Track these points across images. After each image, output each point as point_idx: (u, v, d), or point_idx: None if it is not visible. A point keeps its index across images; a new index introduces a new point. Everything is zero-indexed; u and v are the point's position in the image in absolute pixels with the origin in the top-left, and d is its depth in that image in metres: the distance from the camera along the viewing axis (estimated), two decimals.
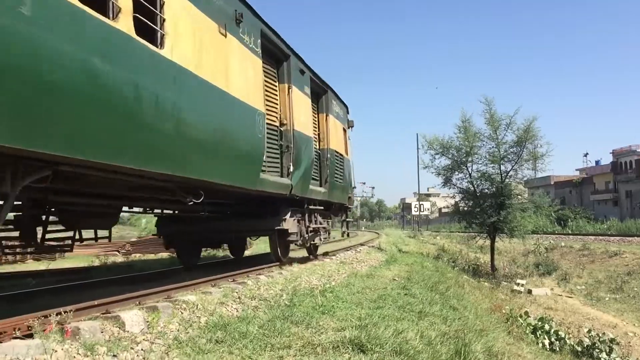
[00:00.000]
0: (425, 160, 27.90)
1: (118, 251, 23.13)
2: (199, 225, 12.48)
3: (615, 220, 56.26)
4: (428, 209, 74.99)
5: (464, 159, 26.80)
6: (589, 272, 26.55)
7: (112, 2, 5.59)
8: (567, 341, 14.07)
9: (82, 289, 9.15)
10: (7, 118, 4.26)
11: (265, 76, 10.47)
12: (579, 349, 13.81)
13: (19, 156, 4.97)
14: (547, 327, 14.20)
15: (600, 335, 14.32)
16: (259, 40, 9.90)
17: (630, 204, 67.16)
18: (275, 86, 11.35)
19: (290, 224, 12.21)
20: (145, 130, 6.11)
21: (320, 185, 14.31)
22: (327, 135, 14.80)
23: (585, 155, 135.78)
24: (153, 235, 16.01)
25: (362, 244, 26.08)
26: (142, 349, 4.96)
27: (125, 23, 5.67)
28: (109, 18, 5.48)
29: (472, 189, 27.22)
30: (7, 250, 9.18)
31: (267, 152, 10.17)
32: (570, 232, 48.22)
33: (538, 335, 13.73)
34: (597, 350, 13.65)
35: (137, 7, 6.00)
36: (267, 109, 10.33)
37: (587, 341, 14.06)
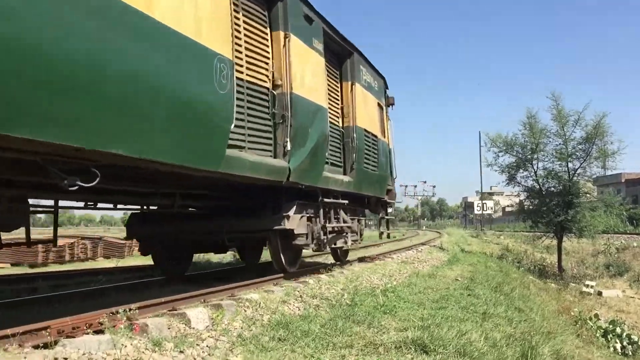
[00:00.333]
0: (489, 158, 27.37)
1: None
2: (176, 225, 10.01)
3: None
4: (491, 208, 73.48)
5: (529, 156, 26.13)
6: None
7: None
8: None
9: (148, 287, 9.44)
10: None
11: (239, 12, 7.45)
12: None
13: None
14: (618, 330, 13.67)
15: None
16: None
17: None
18: (264, 32, 8.20)
19: (295, 222, 9.32)
20: None
21: (344, 173, 11.47)
22: (353, 110, 11.59)
23: None
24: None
25: (423, 244, 25.83)
26: (207, 346, 5.06)
27: None
28: None
29: (538, 187, 26.46)
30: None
31: (242, 119, 7.32)
32: None
33: (609, 339, 13.23)
34: None
35: None
36: (244, 60, 7.53)
37: None
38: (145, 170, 6.32)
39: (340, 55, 11.76)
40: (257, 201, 9.84)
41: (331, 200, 10.59)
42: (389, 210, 15.77)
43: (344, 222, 11.37)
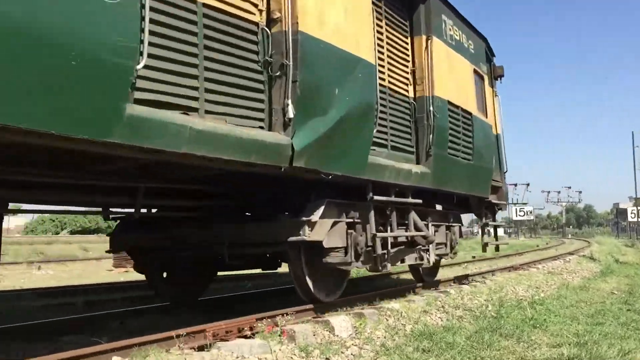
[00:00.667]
0: None
1: None
2: (168, 233, 7.42)
3: None
4: None
5: None
6: None
7: None
8: None
9: (289, 293, 9.71)
10: None
11: None
12: None
13: None
14: None
15: None
16: None
17: None
18: None
19: (323, 230, 6.39)
20: None
21: (417, 162, 8.33)
22: (430, 74, 8.38)
23: None
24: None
25: (570, 253, 24.30)
26: (351, 354, 5.10)
27: None
28: None
29: None
30: None
31: (157, 54, 4.32)
32: None
33: None
34: None
35: None
36: None
37: None
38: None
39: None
40: (279, 201, 7.40)
41: (391, 198, 7.47)
42: (497, 214, 11.95)
43: (417, 229, 8.20)
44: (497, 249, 13.19)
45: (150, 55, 4.11)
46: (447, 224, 9.84)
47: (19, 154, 4.64)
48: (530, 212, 79.22)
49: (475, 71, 10.26)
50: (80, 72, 3.57)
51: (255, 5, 5.37)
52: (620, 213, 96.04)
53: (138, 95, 4.09)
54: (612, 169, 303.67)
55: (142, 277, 8.55)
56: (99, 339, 4.96)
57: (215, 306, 8.29)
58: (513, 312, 7.62)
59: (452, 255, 10.20)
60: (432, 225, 9.03)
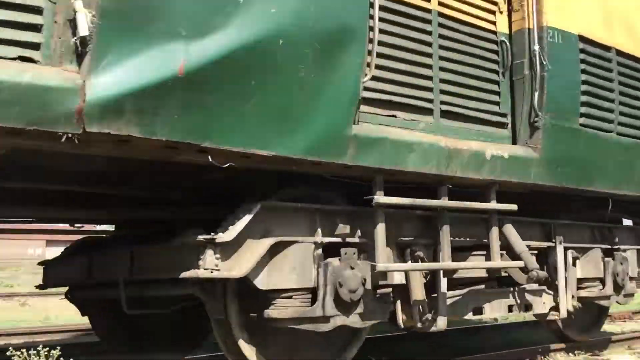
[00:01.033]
0: None
1: None
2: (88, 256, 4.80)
3: None
4: None
5: None
6: None
7: None
8: None
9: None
10: None
11: None
12: None
13: None
14: None
15: None
16: None
17: None
18: None
19: (248, 257, 3.49)
20: None
21: (513, 140, 4.79)
22: None
23: None
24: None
25: None
26: None
27: None
28: None
29: None
30: None
31: None
32: None
33: None
34: None
35: None
36: None
37: None
38: None
39: None
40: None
41: (428, 202, 4.11)
42: None
43: (514, 254, 4.60)
44: None
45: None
46: (603, 246, 5.79)
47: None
48: None
49: None
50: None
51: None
52: None
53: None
54: None
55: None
56: None
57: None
58: None
59: (621, 300, 5.94)
60: (565, 246, 5.35)
